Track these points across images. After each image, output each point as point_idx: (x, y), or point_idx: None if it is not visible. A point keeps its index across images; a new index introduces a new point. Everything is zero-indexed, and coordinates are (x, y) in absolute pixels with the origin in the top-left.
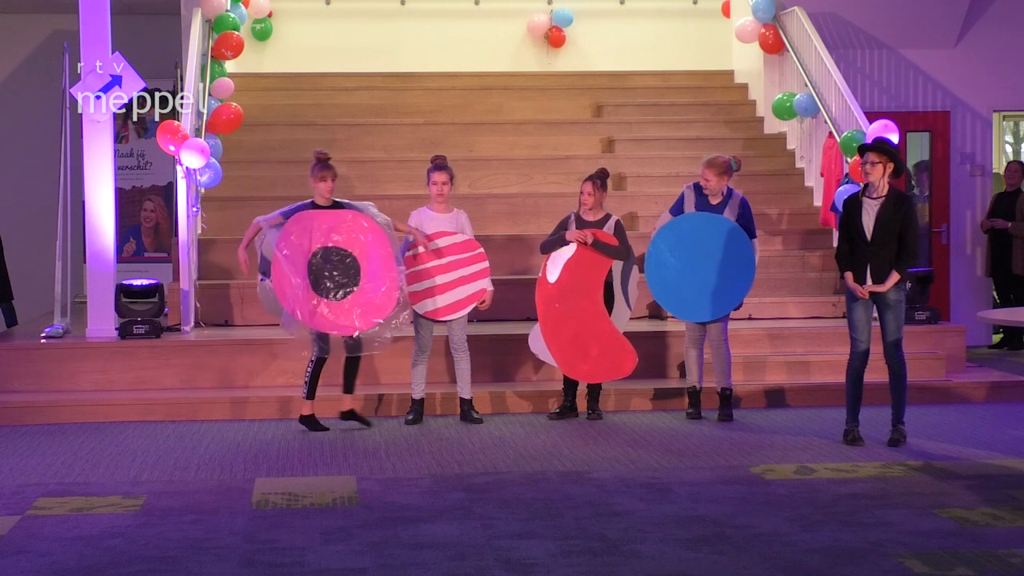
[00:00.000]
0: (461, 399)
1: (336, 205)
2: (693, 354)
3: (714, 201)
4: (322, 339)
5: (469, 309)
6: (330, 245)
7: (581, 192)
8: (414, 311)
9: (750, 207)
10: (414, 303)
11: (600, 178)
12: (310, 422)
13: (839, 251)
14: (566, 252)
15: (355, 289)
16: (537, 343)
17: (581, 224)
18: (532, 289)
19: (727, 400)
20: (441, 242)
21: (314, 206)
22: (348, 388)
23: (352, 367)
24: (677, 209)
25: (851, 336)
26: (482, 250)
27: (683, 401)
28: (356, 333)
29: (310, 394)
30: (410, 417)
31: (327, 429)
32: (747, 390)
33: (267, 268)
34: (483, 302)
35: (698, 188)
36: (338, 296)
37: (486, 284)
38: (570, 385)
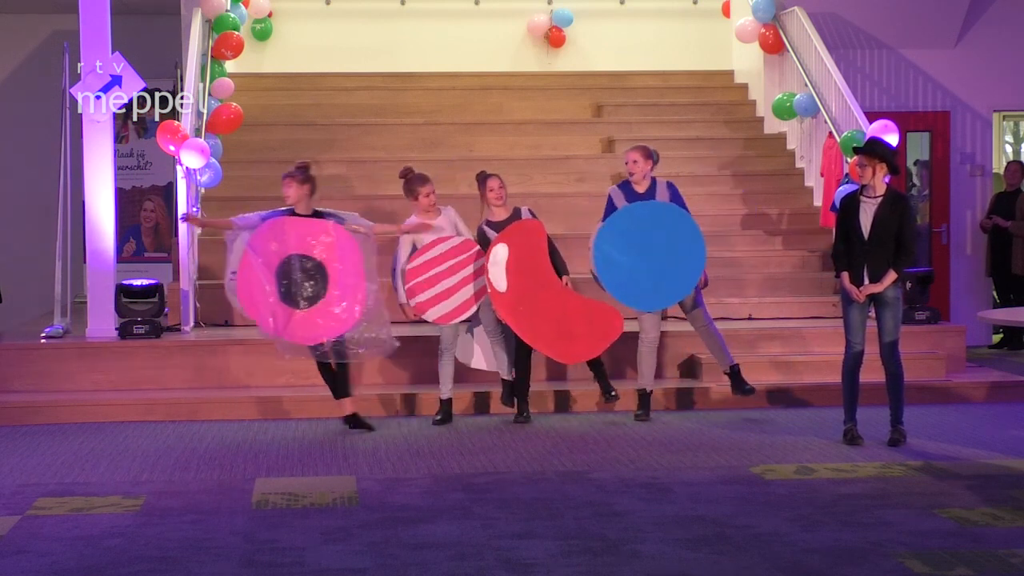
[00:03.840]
0: (503, 380)
1: (316, 215)
2: (649, 357)
3: (641, 190)
4: (293, 347)
5: (479, 304)
6: (300, 253)
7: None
8: (423, 320)
9: (678, 189)
10: (423, 312)
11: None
12: (351, 421)
13: (835, 250)
14: (500, 257)
15: (322, 299)
16: (477, 357)
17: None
18: None
19: (738, 376)
20: (438, 250)
21: (293, 214)
22: (336, 394)
23: (328, 373)
24: (610, 212)
25: (846, 337)
26: (479, 248)
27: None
28: (322, 343)
29: (335, 395)
30: (438, 418)
31: (352, 428)
32: None
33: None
34: None
35: (623, 186)
36: (304, 305)
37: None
38: (520, 390)
